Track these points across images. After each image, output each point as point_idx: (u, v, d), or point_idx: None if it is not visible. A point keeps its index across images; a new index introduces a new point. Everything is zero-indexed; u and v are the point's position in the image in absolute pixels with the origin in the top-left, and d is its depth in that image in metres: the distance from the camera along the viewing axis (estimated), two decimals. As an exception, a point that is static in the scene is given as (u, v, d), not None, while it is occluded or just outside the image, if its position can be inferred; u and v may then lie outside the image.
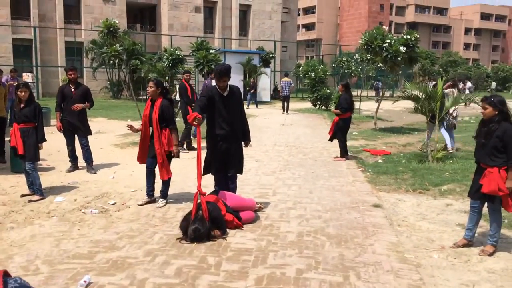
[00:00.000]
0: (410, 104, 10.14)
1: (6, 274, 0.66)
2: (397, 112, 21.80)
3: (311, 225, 5.36)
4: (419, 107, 9.37)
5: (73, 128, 8.00)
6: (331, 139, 9.98)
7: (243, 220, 5.33)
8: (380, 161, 9.46)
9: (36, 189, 6.34)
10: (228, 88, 5.65)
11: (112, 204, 6.15)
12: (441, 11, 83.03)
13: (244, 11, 36.18)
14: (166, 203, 6.17)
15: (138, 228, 5.21)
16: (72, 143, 8.12)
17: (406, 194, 6.92)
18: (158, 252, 4.48)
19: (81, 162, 8.33)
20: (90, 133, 8.33)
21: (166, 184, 6.17)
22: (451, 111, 10.00)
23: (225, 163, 5.76)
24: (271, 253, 4.50)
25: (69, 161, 8.24)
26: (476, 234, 4.86)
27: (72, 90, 7.91)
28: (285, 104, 20.65)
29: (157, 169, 6.14)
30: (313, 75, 22.92)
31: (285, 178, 7.87)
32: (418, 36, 14.28)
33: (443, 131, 10.27)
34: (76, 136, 8.11)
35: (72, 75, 7.91)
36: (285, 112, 20.54)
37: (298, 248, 4.64)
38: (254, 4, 36.11)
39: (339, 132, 9.66)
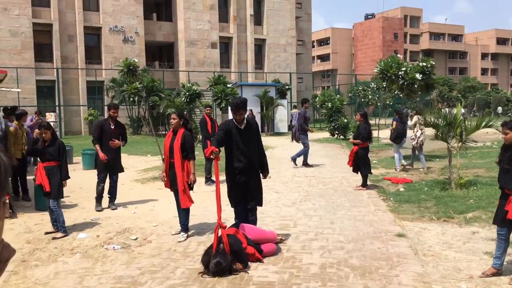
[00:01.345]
0: (429, 131, 10.07)
1: None
2: (417, 139, 21.57)
3: (334, 257, 5.28)
4: (440, 134, 9.29)
5: (110, 165, 7.99)
6: (355, 171, 9.82)
7: (265, 253, 5.29)
8: (401, 189, 9.34)
9: (59, 226, 6.43)
10: (245, 121, 5.73)
11: (134, 240, 6.18)
12: (456, 37, 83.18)
13: (259, 45, 36.88)
14: (187, 237, 6.17)
15: (160, 263, 5.21)
16: (104, 180, 8.08)
17: (430, 223, 6.78)
18: (180, 287, 4.46)
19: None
20: (123, 170, 8.42)
21: (186, 215, 6.21)
22: (418, 134, 11.94)
23: (244, 195, 5.77)
24: (294, 286, 4.43)
25: (97, 198, 8.11)
26: (505, 262, 4.72)
27: (112, 127, 7.99)
28: (295, 133, 21.18)
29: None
30: (330, 105, 23.02)
31: (306, 209, 7.81)
32: (433, 63, 14.30)
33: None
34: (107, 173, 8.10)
35: (115, 113, 8.07)
36: (293, 140, 20.96)
37: (322, 280, 4.56)
38: (268, 38, 36.81)
39: (363, 162, 9.56)
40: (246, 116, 5.78)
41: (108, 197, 8.21)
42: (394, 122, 13.06)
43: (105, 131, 7.95)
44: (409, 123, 12.38)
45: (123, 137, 8.21)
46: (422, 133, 11.94)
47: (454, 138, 9.22)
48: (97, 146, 7.94)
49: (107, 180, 8.14)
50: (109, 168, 8.03)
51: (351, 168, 9.83)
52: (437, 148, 16.35)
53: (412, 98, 16.24)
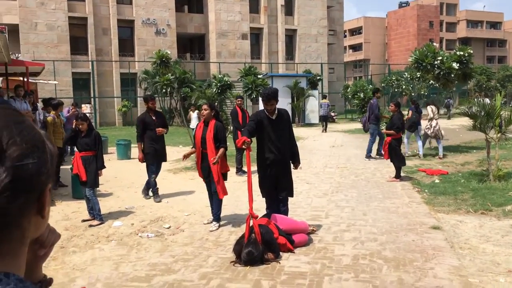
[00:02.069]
0: (466, 121, 9.77)
1: None
2: (453, 130, 21.00)
3: (367, 248, 5.21)
4: (478, 125, 8.99)
5: (160, 155, 8.03)
6: (392, 161, 9.60)
7: (296, 243, 5.27)
8: (437, 181, 9.11)
9: (95, 214, 6.60)
10: (276, 112, 5.70)
11: (167, 228, 6.28)
12: (495, 25, 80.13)
13: (290, 35, 36.59)
14: (219, 226, 6.22)
15: (193, 251, 5.28)
16: (158, 171, 8.11)
17: (467, 215, 6.59)
18: (212, 275, 4.51)
19: (134, 187, 8.58)
20: (166, 160, 8.48)
21: (218, 206, 6.25)
22: (433, 123, 12.34)
23: (275, 186, 5.76)
24: (326, 277, 4.41)
25: (152, 190, 8.07)
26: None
27: (153, 118, 8.05)
28: (324, 123, 22.04)
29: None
30: (362, 96, 22.66)
31: (338, 200, 7.74)
32: (471, 51, 13.82)
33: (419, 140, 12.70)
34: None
35: (154, 104, 8.15)
36: (325, 130, 21.58)
37: (354, 271, 4.51)
38: (299, 29, 36.46)
39: (395, 152, 9.38)
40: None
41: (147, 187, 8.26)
42: (410, 111, 13.29)
43: (148, 124, 7.96)
44: (430, 113, 12.62)
45: (165, 125, 8.23)
46: (437, 123, 12.42)
47: (493, 129, 8.90)
48: (139, 145, 7.92)
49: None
50: (158, 159, 8.03)
51: (388, 159, 9.63)
52: (474, 139, 15.87)
53: (448, 88, 15.78)
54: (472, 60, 14.08)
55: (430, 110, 12.71)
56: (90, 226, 6.44)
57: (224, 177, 6.25)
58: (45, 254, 0.95)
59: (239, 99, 10.92)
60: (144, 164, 8.06)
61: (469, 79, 15.13)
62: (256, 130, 5.62)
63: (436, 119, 12.47)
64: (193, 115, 18.03)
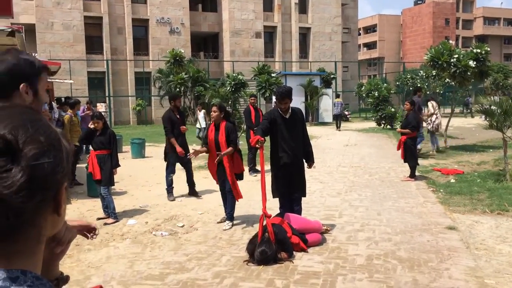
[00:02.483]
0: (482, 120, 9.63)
1: None
2: (469, 129, 20.73)
3: (381, 248, 5.17)
4: (494, 123, 8.85)
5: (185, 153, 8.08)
6: (406, 161, 9.52)
7: (310, 243, 5.26)
8: (452, 180, 9.00)
9: (110, 213, 6.67)
10: (290, 110, 5.68)
11: (181, 227, 6.31)
12: (512, 21, 78.83)
13: (304, 33, 36.47)
14: (232, 225, 6.24)
15: (206, 250, 5.30)
16: (174, 171, 8.16)
17: (483, 216, 6.50)
18: (226, 274, 4.52)
19: (149, 185, 8.64)
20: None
21: (232, 205, 6.27)
22: (433, 118, 12.88)
23: (289, 185, 5.75)
24: (339, 276, 4.39)
25: (167, 189, 8.12)
26: None
27: (178, 116, 8.17)
28: (338, 122, 22.30)
29: None
30: (376, 94, 22.49)
31: (351, 199, 7.69)
32: (488, 49, 13.61)
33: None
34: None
35: (180, 103, 8.36)
36: (338, 129, 21.81)
37: (368, 272, 4.49)
38: (313, 27, 36.31)
39: (410, 151, 9.29)
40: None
41: (189, 186, 8.31)
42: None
43: (174, 122, 8.05)
44: (430, 109, 13.22)
45: (185, 123, 8.39)
46: (437, 118, 13.02)
47: (510, 128, 8.76)
48: (173, 140, 7.92)
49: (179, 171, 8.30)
50: (180, 158, 8.03)
51: (402, 159, 9.53)
52: (490, 138, 15.65)
53: (464, 86, 15.57)
54: (489, 58, 13.83)
55: (430, 105, 13.28)
56: (105, 224, 6.51)
57: (240, 177, 6.29)
58: (62, 251, 0.97)
59: (252, 98, 10.92)
60: (160, 162, 8.13)
61: (486, 77, 14.87)
62: (270, 128, 5.62)
63: (436, 114, 13.01)
64: (200, 114, 17.11)
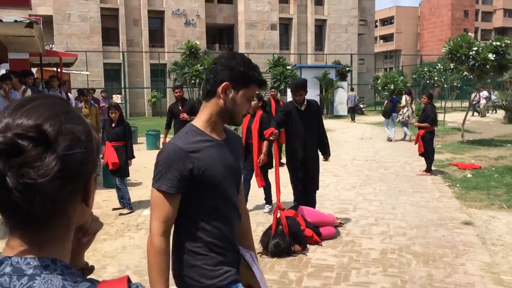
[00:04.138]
0: (501, 114, 9.47)
1: (129, 280, 0.75)
2: (486, 123, 20.40)
3: (395, 243, 5.14)
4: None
5: None
6: (422, 155, 9.42)
7: (323, 236, 5.26)
8: (469, 175, 8.88)
9: (125, 203, 6.74)
10: (305, 102, 5.65)
11: (195, 218, 6.35)
12: (534, 13, 77.05)
13: (320, 25, 36.16)
14: (271, 208, 6.26)
15: (220, 241, 5.32)
16: None
17: (500, 211, 6.41)
18: (239, 266, 4.54)
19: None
20: None
21: (265, 191, 6.56)
22: (405, 110, 14.58)
23: (303, 178, 5.74)
24: (353, 270, 4.38)
25: None
26: None
27: (180, 107, 8.20)
28: (353, 114, 23.16)
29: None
30: (392, 87, 22.24)
31: (366, 193, 7.65)
32: (508, 42, 13.33)
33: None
34: None
35: (178, 93, 8.23)
36: (353, 120, 22.63)
37: (382, 266, 4.47)
38: (329, 19, 35.98)
39: (428, 146, 9.17)
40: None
41: None
42: (386, 101, 15.99)
43: (175, 114, 8.14)
44: (403, 102, 14.89)
45: (191, 113, 8.07)
46: (408, 110, 14.66)
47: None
48: (166, 131, 8.26)
49: None
50: None
51: (418, 153, 9.40)
52: (509, 132, 15.39)
53: (483, 80, 15.31)
54: (509, 51, 13.56)
55: (404, 99, 14.89)
56: (121, 214, 6.58)
57: (269, 166, 6.43)
58: (88, 241, 0.98)
59: (273, 90, 10.92)
60: None
61: (505, 70, 14.59)
62: (285, 121, 5.61)
63: (407, 107, 14.63)
64: None
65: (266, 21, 33.50)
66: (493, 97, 27.27)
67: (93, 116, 9.75)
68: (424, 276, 4.21)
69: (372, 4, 43.11)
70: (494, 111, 26.71)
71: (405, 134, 14.75)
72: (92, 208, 0.88)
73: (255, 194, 6.98)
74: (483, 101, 25.10)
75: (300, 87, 5.54)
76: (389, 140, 14.58)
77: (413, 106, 15.76)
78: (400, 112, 14.65)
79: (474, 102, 23.59)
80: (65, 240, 0.81)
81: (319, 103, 25.52)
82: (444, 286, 3.99)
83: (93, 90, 13.47)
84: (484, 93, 26.17)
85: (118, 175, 6.70)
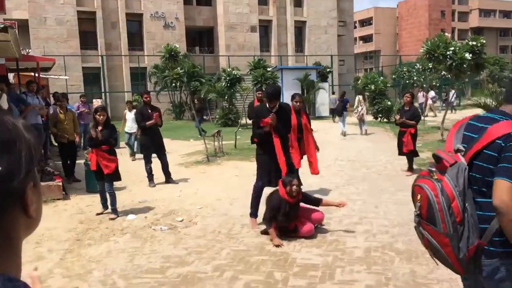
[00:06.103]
0: (478, 112, 9.69)
1: None
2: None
3: (379, 241, 5.22)
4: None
5: (156, 146, 8.73)
6: (401, 154, 9.51)
7: (312, 219, 5.51)
8: (448, 173, 9.03)
9: (114, 209, 6.66)
10: (277, 105, 5.75)
11: (180, 221, 6.34)
12: (508, 14, 78.90)
13: (300, 27, 36.37)
14: None
15: (206, 244, 5.33)
16: (150, 160, 8.79)
17: (480, 207, 6.55)
18: (226, 267, 4.56)
19: (147, 181, 8.68)
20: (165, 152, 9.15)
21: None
22: (359, 109, 16.28)
23: (275, 176, 5.74)
24: (338, 268, 4.43)
25: (148, 177, 8.82)
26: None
27: (150, 111, 8.72)
28: (334, 115, 23.57)
29: None
30: (373, 88, 22.51)
31: (349, 193, 7.74)
32: (484, 41, 13.65)
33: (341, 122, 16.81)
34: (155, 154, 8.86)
35: (148, 98, 8.87)
36: (334, 121, 23.14)
37: (366, 264, 4.53)
38: (309, 20, 36.22)
39: (414, 144, 9.33)
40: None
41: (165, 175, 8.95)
42: (337, 102, 18.26)
43: (144, 115, 8.65)
44: (355, 102, 16.75)
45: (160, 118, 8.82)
46: (362, 108, 16.26)
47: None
48: (147, 123, 8.56)
49: (157, 163, 8.87)
50: (155, 149, 8.74)
51: (404, 150, 9.41)
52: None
53: (460, 79, 15.63)
54: (485, 50, 13.89)
55: (357, 99, 16.67)
56: (111, 219, 6.49)
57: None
58: None
59: (259, 92, 11.01)
60: (147, 158, 8.81)
61: (482, 69, 14.94)
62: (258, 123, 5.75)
63: (361, 106, 16.31)
64: (129, 115, 12.85)
65: (246, 23, 33.54)
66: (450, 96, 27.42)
67: (70, 122, 9.46)
68: (407, 272, 4.28)
69: (351, 5, 43.57)
70: (454, 111, 26.07)
71: (361, 129, 16.58)
72: (41, 217, 0.83)
73: (238, 195, 6.99)
74: (429, 102, 25.15)
75: (273, 96, 5.73)
76: (343, 134, 16.33)
77: (367, 104, 18.08)
78: (355, 111, 16.64)
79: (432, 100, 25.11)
80: (8, 253, 0.76)
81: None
82: (427, 282, 4.07)
83: (65, 97, 13.06)
84: (431, 93, 26.41)
85: (110, 180, 6.63)
